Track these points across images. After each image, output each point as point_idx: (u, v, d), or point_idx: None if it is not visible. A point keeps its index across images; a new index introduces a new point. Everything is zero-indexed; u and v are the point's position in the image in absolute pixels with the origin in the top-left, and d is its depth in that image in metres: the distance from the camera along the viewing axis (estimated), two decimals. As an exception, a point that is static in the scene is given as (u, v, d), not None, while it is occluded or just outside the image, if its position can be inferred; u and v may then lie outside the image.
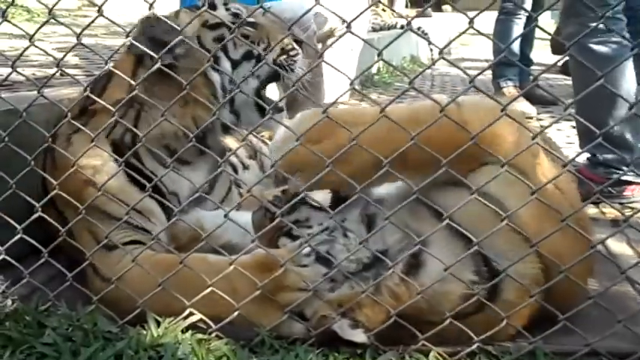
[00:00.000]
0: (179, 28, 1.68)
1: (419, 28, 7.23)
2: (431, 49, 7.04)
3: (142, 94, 1.80)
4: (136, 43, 1.77)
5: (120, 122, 1.85)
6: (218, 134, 2.12)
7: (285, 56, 2.07)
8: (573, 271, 1.51)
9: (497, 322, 1.57)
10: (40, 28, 1.67)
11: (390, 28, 7.65)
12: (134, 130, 1.94)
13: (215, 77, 2.01)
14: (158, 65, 1.71)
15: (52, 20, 1.68)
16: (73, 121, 1.83)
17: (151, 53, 1.73)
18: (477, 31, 1.32)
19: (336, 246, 1.71)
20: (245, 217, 1.91)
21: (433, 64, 1.46)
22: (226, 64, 2.03)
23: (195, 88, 1.83)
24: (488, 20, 4.03)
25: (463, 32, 1.34)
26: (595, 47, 2.86)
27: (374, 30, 7.38)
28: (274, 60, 2.05)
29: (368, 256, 1.67)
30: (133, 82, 1.74)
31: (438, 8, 13.38)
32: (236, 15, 2.08)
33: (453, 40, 1.40)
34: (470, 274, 1.62)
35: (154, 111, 1.90)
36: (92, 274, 1.90)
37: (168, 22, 1.83)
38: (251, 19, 2.09)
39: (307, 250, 1.69)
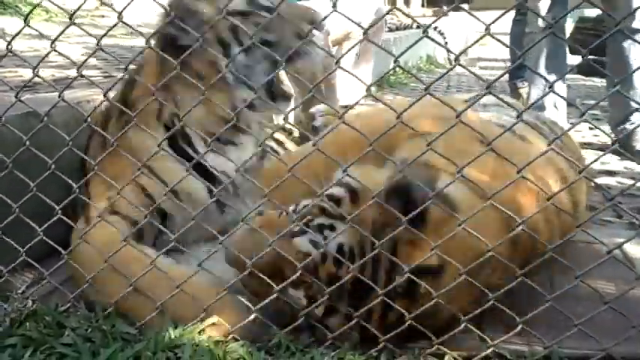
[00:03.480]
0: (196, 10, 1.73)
1: (435, 29, 7.22)
2: (447, 50, 7.02)
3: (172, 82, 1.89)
4: (155, 49, 1.80)
5: (164, 104, 1.97)
6: (247, 114, 2.15)
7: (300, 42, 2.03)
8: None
9: None
10: (60, 33, 1.69)
11: (406, 27, 7.65)
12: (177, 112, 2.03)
13: (222, 67, 1.96)
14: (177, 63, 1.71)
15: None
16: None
17: (167, 57, 1.73)
18: (492, 37, 1.32)
19: None
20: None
21: (449, 71, 1.46)
22: (237, 51, 2.02)
23: (208, 77, 1.91)
24: (505, 19, 4.02)
25: (479, 40, 1.34)
26: None
27: (390, 30, 7.37)
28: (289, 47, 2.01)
29: None
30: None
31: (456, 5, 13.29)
32: (251, 1, 2.08)
33: (469, 47, 1.41)
34: None
35: (185, 96, 1.97)
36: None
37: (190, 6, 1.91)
38: (268, 4, 2.08)
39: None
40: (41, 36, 1.83)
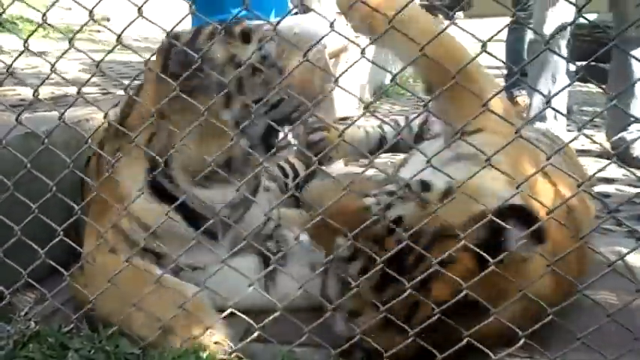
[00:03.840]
0: (200, 53, 1.67)
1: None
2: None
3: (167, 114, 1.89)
4: (162, 75, 1.80)
5: (153, 139, 1.94)
6: (242, 160, 2.06)
7: (297, 113, 2.03)
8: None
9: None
10: (60, 57, 1.70)
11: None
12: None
13: (226, 116, 1.95)
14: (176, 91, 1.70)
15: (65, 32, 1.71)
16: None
17: (171, 82, 1.72)
18: (489, 54, 1.33)
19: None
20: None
21: (446, 88, 1.47)
22: (237, 105, 1.96)
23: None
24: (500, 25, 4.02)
25: (476, 57, 1.35)
26: None
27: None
28: (288, 113, 2.02)
29: None
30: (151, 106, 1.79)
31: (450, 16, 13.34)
32: (264, 58, 2.01)
33: (466, 65, 1.42)
34: None
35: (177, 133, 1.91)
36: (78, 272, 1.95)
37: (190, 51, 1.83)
38: (278, 63, 2.03)
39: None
40: (40, 56, 1.84)
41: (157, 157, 1.74)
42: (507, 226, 1.45)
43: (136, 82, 2.02)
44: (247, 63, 1.90)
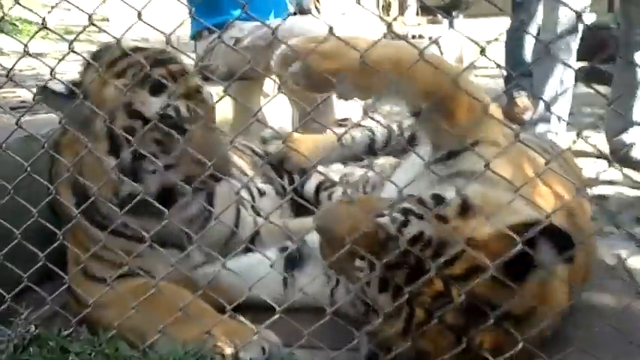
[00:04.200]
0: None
1: (430, 38, 7.24)
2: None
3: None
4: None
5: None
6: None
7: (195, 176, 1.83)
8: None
9: None
10: (61, 60, 1.71)
11: (402, 37, 7.66)
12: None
13: (110, 162, 1.86)
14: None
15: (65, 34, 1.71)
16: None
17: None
18: (488, 58, 1.34)
19: None
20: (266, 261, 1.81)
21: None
22: (127, 155, 1.86)
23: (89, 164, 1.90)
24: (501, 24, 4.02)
25: (474, 62, 1.36)
26: None
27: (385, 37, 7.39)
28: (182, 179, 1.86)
29: None
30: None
31: (450, 14, 13.31)
32: (167, 117, 1.84)
33: (465, 69, 1.42)
34: None
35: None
36: (73, 301, 1.99)
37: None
38: (187, 127, 1.87)
39: None
40: (36, 49, 1.84)
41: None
42: (541, 242, 1.40)
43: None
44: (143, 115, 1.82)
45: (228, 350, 1.71)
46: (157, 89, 1.83)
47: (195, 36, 4.15)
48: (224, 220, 1.99)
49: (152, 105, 1.83)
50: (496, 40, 1.37)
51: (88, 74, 1.89)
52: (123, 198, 1.90)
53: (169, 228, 1.82)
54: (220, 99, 1.66)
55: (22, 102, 3.23)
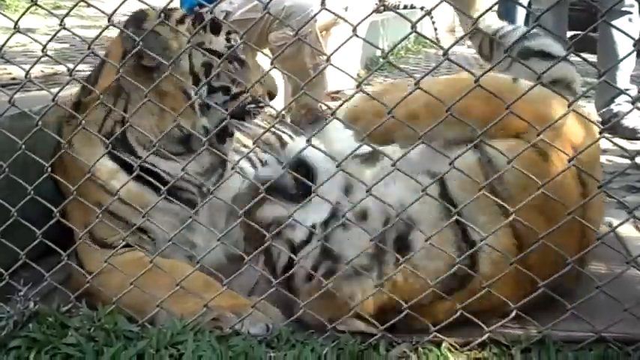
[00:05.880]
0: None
1: (422, 8, 7.20)
2: (435, 29, 7.01)
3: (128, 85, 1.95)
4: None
5: (108, 115, 2.00)
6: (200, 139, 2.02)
7: (254, 105, 2.14)
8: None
9: (479, 298, 1.62)
10: (52, 38, 1.70)
11: (394, 7, 7.61)
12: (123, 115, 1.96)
13: (194, 96, 2.01)
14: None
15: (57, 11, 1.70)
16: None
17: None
18: (481, 30, 1.35)
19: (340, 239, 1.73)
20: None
21: (437, 66, 1.48)
22: (203, 90, 2.04)
23: (172, 97, 2.00)
24: None
25: (466, 34, 1.36)
26: None
27: (378, 11, 7.34)
28: (243, 105, 2.11)
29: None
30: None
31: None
32: (231, 48, 2.11)
33: (455, 43, 1.43)
34: (452, 248, 1.68)
35: (137, 105, 1.92)
36: (77, 270, 1.98)
37: (163, 34, 1.95)
38: (243, 57, 2.15)
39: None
40: (30, 36, 1.83)
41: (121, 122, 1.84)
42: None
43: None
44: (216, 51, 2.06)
45: (229, 323, 1.74)
46: (216, 29, 2.11)
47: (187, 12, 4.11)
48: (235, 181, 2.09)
49: (219, 41, 2.11)
50: (491, 9, 1.37)
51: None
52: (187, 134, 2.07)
53: (185, 180, 2.08)
54: (213, 75, 1.67)
55: (13, 79, 3.21)
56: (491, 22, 2.33)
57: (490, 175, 1.62)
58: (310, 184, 1.64)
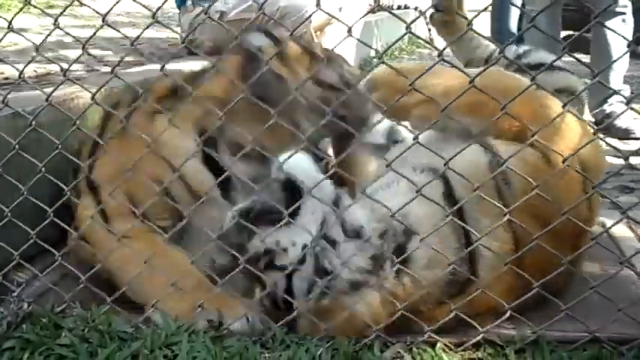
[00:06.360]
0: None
1: (416, 8, 7.23)
2: (429, 29, 7.02)
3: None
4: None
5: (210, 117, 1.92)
6: None
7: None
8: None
9: (478, 302, 1.63)
10: (46, 37, 1.70)
11: (388, 7, 7.64)
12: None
13: (304, 126, 2.05)
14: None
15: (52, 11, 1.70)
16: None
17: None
18: (475, 32, 1.35)
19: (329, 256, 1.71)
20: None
21: (433, 65, 1.48)
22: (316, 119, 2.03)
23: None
24: None
25: (462, 35, 1.36)
26: None
27: (372, 12, 7.35)
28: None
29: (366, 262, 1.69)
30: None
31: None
32: (346, 83, 2.15)
33: (449, 44, 1.43)
34: (453, 255, 1.66)
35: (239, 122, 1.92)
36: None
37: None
38: (349, 79, 2.18)
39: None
40: (18, 24, 1.83)
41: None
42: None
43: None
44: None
45: (215, 320, 1.75)
46: (329, 62, 2.17)
47: (181, 9, 4.11)
48: None
49: (332, 74, 2.16)
50: (485, 10, 1.37)
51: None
52: None
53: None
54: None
55: (6, 79, 3.19)
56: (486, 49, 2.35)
57: (499, 180, 1.62)
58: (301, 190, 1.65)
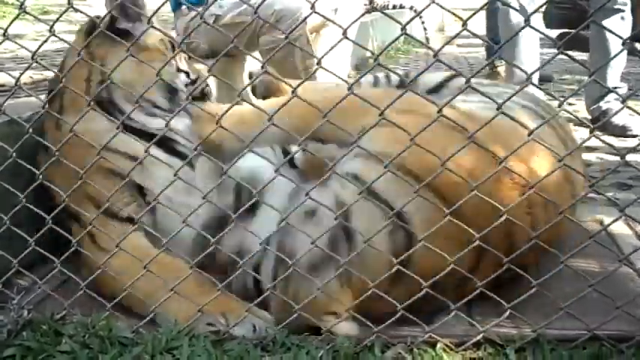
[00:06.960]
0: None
1: (411, 8, 7.23)
2: (425, 29, 7.04)
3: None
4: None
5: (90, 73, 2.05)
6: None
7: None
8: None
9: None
10: (42, 44, 1.70)
11: (383, 8, 7.63)
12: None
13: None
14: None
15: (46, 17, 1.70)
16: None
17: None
18: (470, 32, 1.35)
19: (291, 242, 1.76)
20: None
21: (428, 67, 1.49)
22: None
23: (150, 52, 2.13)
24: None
25: (455, 36, 1.37)
26: None
27: (367, 12, 7.34)
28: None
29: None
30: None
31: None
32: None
33: (447, 43, 1.43)
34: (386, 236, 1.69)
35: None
36: (89, 243, 1.97)
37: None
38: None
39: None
40: (19, 44, 1.83)
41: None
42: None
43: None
44: None
45: (220, 326, 1.74)
46: None
47: (175, 13, 4.10)
48: None
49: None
50: (482, 9, 1.38)
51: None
52: None
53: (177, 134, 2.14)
54: (205, 79, 1.66)
55: (1, 85, 3.19)
56: None
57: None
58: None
